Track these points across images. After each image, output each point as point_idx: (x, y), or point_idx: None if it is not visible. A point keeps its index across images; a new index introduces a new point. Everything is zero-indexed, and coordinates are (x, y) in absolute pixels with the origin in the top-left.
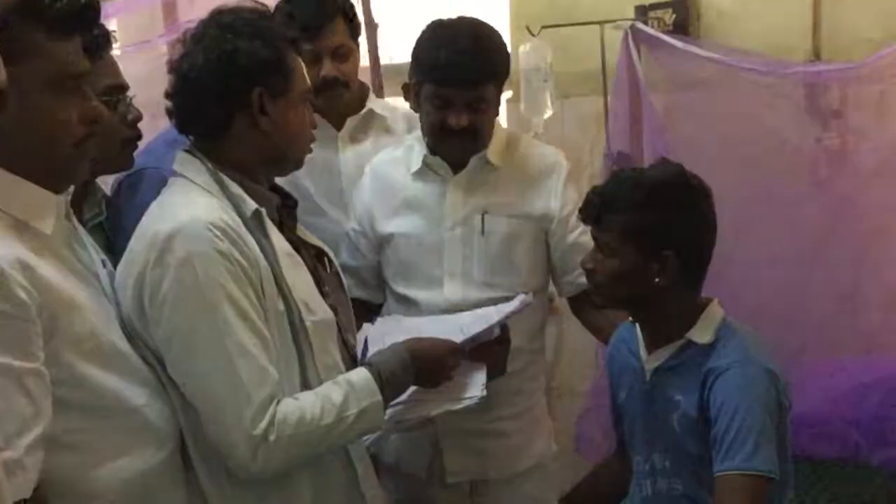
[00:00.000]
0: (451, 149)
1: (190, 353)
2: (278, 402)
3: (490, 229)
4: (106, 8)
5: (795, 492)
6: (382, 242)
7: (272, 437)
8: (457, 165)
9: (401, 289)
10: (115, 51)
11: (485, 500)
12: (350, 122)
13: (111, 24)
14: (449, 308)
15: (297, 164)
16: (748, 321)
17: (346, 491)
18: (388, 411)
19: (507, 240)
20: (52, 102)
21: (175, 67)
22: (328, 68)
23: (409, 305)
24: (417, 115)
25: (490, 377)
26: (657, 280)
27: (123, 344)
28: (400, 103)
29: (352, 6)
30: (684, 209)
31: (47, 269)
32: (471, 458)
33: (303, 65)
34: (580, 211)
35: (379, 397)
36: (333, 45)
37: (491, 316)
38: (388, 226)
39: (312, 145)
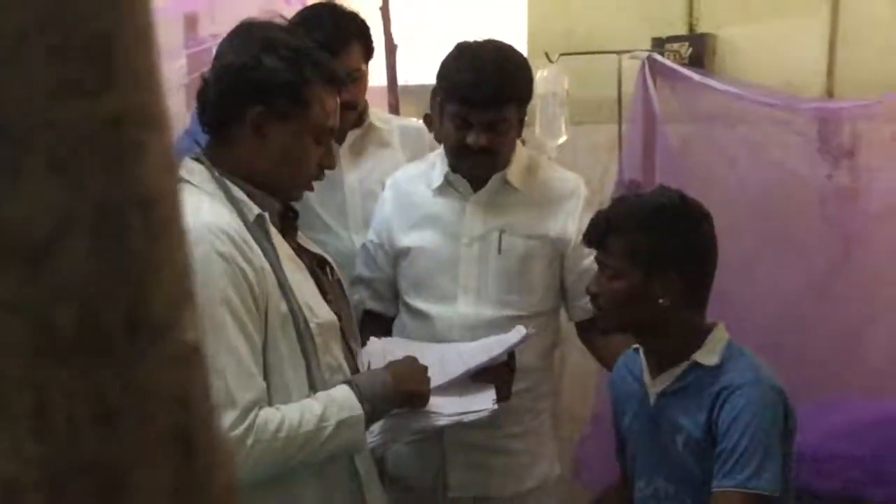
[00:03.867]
0: (470, 168)
1: None
2: (260, 409)
3: (507, 248)
4: None
5: None
6: (399, 255)
7: (250, 441)
8: (477, 183)
9: (414, 302)
10: None
11: None
12: (350, 136)
13: None
14: (462, 324)
15: (287, 195)
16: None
17: (350, 495)
18: (392, 421)
19: (522, 259)
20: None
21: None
22: (342, 91)
23: (422, 319)
24: (409, 128)
25: (496, 399)
26: (661, 301)
27: None
28: (395, 118)
29: (369, 31)
30: (685, 231)
31: None
32: (475, 474)
33: (334, 105)
34: (585, 235)
35: (360, 412)
36: (349, 68)
37: (492, 348)
38: (406, 239)
39: None
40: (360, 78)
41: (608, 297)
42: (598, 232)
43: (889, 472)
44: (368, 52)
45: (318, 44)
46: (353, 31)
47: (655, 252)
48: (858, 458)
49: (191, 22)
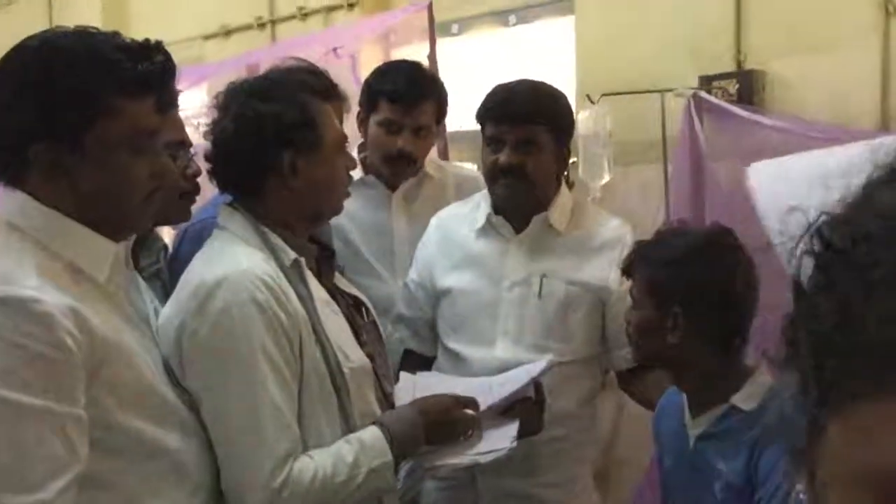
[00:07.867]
0: (501, 191)
1: (220, 401)
2: (295, 459)
3: (547, 293)
4: (199, 71)
5: None
6: (440, 296)
7: (286, 493)
8: (519, 226)
9: (452, 344)
10: (203, 111)
11: None
12: (404, 185)
13: (203, 87)
14: (499, 368)
15: (335, 213)
16: None
17: None
18: (413, 464)
19: (563, 305)
20: (129, 160)
21: (209, 133)
22: (407, 143)
23: (459, 362)
24: (466, 178)
25: (525, 434)
26: (668, 337)
27: (166, 389)
28: (452, 167)
29: (445, 93)
30: (700, 272)
31: (98, 316)
32: None
33: (332, 113)
34: (622, 263)
35: (389, 458)
36: (419, 123)
37: (521, 377)
38: (448, 280)
39: (364, 207)
40: (427, 135)
41: (632, 326)
42: (628, 261)
43: None
44: (441, 112)
45: (392, 95)
46: (428, 89)
47: (665, 289)
48: None
49: (252, 71)
